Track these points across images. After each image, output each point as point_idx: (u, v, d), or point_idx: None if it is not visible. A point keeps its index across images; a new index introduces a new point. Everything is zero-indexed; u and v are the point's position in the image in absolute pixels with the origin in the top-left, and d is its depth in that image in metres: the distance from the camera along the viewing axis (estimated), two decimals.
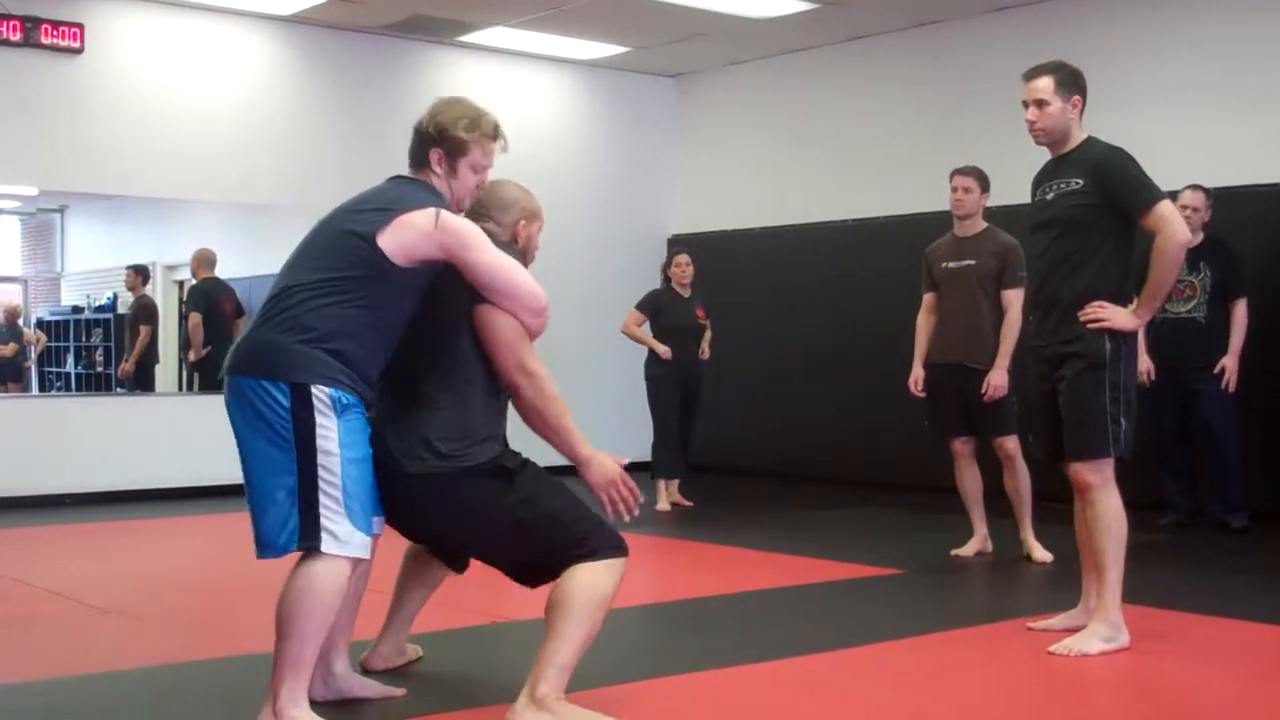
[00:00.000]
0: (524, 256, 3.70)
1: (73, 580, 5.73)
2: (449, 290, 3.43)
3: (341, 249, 3.32)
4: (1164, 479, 7.59)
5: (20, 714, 3.62)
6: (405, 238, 3.31)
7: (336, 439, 3.25)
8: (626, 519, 3.49)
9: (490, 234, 3.53)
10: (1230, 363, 7.22)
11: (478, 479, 3.41)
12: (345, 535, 3.25)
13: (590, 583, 3.37)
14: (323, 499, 3.22)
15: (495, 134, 3.54)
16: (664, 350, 8.14)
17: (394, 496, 3.44)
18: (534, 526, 3.42)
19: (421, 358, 3.47)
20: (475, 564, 3.87)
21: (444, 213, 3.37)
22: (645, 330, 8.29)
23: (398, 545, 4.00)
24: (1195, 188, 7.32)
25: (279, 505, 3.23)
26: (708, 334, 8.46)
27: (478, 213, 3.69)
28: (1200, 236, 7.32)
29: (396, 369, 3.47)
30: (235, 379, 3.30)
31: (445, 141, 3.48)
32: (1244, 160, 7.86)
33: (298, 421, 3.22)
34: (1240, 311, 7.27)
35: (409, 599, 4.02)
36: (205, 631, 4.70)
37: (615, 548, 3.45)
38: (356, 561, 3.31)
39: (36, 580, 5.74)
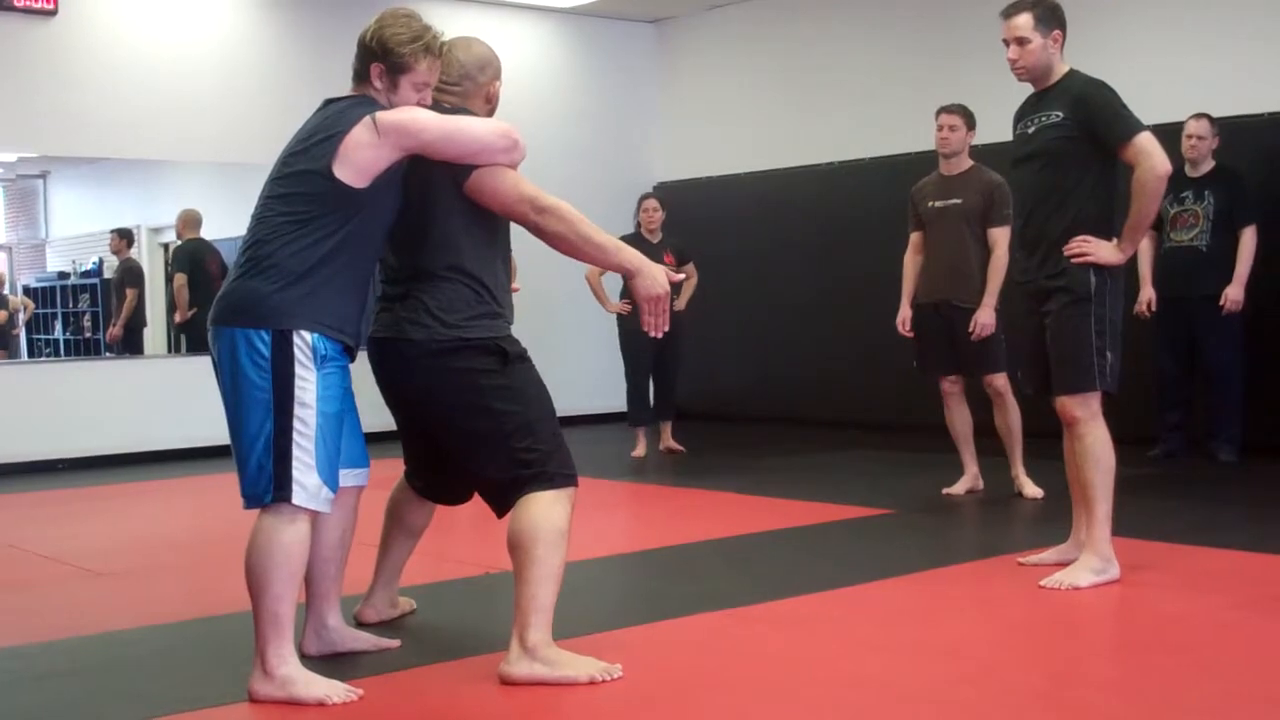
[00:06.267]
0: (491, 113, 3.68)
1: (67, 544, 5.74)
2: (425, 176, 3.43)
3: (304, 188, 3.30)
4: (1161, 410, 7.55)
5: (17, 676, 3.63)
6: (358, 159, 3.29)
7: (314, 391, 3.26)
8: (655, 336, 3.50)
9: (464, 94, 3.59)
10: (1233, 290, 7.14)
11: (474, 353, 3.44)
12: (313, 489, 3.27)
13: (544, 516, 3.38)
14: (296, 451, 3.23)
15: (440, 51, 3.49)
16: (615, 307, 8.22)
17: (397, 367, 3.49)
18: (504, 419, 3.42)
19: (418, 243, 3.49)
20: (465, 511, 3.86)
21: (377, 115, 3.33)
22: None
23: (383, 498, 4.02)
24: (1199, 116, 7.25)
25: (258, 455, 3.24)
26: (692, 281, 8.37)
27: (449, 73, 3.64)
28: (1209, 164, 7.27)
29: (398, 258, 3.52)
30: (218, 329, 3.31)
31: (387, 56, 3.41)
32: (1242, 91, 7.76)
33: (277, 372, 3.23)
34: (1248, 238, 7.15)
35: (395, 549, 4.02)
36: (199, 591, 4.71)
37: (567, 476, 3.47)
38: (316, 514, 3.33)
39: (31, 545, 5.75)
